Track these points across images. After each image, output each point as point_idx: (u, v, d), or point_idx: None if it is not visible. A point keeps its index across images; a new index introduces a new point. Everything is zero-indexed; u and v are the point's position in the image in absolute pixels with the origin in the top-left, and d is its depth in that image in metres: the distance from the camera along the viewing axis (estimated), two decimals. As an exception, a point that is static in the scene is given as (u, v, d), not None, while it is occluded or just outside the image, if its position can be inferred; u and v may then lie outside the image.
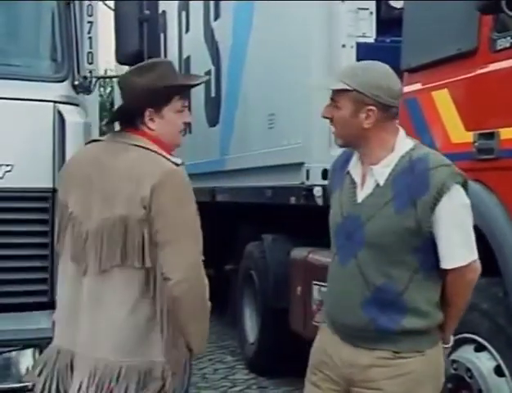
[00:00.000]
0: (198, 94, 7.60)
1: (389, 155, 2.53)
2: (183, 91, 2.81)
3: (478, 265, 2.54)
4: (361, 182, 2.57)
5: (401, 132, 2.59)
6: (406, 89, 3.76)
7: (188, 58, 8.52)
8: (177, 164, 2.62)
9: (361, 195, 2.56)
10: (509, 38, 3.48)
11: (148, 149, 2.65)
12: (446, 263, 2.49)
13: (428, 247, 2.48)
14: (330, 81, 2.86)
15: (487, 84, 3.63)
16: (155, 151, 2.64)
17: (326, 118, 2.61)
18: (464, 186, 2.50)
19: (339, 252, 2.61)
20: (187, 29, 8.59)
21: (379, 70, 2.56)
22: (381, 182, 2.51)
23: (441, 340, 2.60)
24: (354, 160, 2.62)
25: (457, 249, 2.49)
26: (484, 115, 3.64)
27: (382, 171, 2.52)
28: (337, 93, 2.54)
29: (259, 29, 6.45)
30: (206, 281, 2.65)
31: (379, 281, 2.49)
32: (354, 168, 2.61)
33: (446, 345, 2.65)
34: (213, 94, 7.70)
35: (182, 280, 2.54)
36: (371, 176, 2.54)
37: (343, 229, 2.59)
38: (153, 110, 2.70)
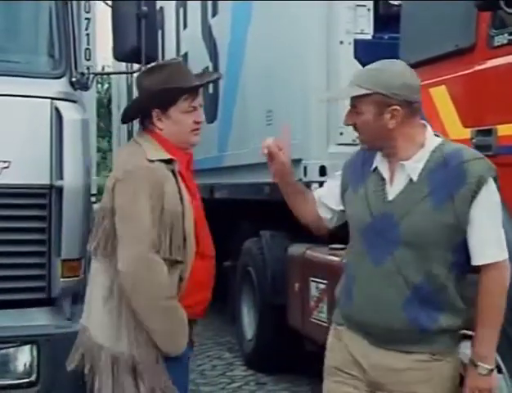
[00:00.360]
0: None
1: (420, 150, 2.49)
2: (188, 92, 2.83)
3: (508, 265, 2.49)
4: (390, 180, 2.52)
5: (429, 127, 2.56)
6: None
7: (186, 55, 8.50)
8: (151, 161, 2.71)
9: (392, 192, 2.50)
10: (506, 34, 3.48)
11: (142, 147, 2.78)
12: (477, 259, 2.45)
13: (465, 243, 2.45)
14: (345, 89, 2.76)
15: (485, 81, 3.63)
16: (143, 149, 2.75)
17: (349, 125, 2.57)
18: (496, 180, 2.48)
19: (370, 252, 2.52)
20: (185, 26, 8.58)
21: (395, 68, 2.52)
22: (415, 178, 2.46)
23: (481, 363, 2.49)
24: (379, 157, 2.57)
25: (489, 245, 2.45)
26: (482, 112, 3.64)
27: (414, 166, 2.47)
28: (356, 99, 2.49)
29: (257, 26, 6.44)
30: (162, 280, 2.66)
31: (417, 279, 2.44)
32: (381, 164, 2.56)
33: (490, 366, 2.49)
34: (210, 90, 7.69)
35: (125, 273, 2.63)
36: (402, 172, 2.49)
37: (373, 228, 2.51)
38: (159, 110, 2.80)
